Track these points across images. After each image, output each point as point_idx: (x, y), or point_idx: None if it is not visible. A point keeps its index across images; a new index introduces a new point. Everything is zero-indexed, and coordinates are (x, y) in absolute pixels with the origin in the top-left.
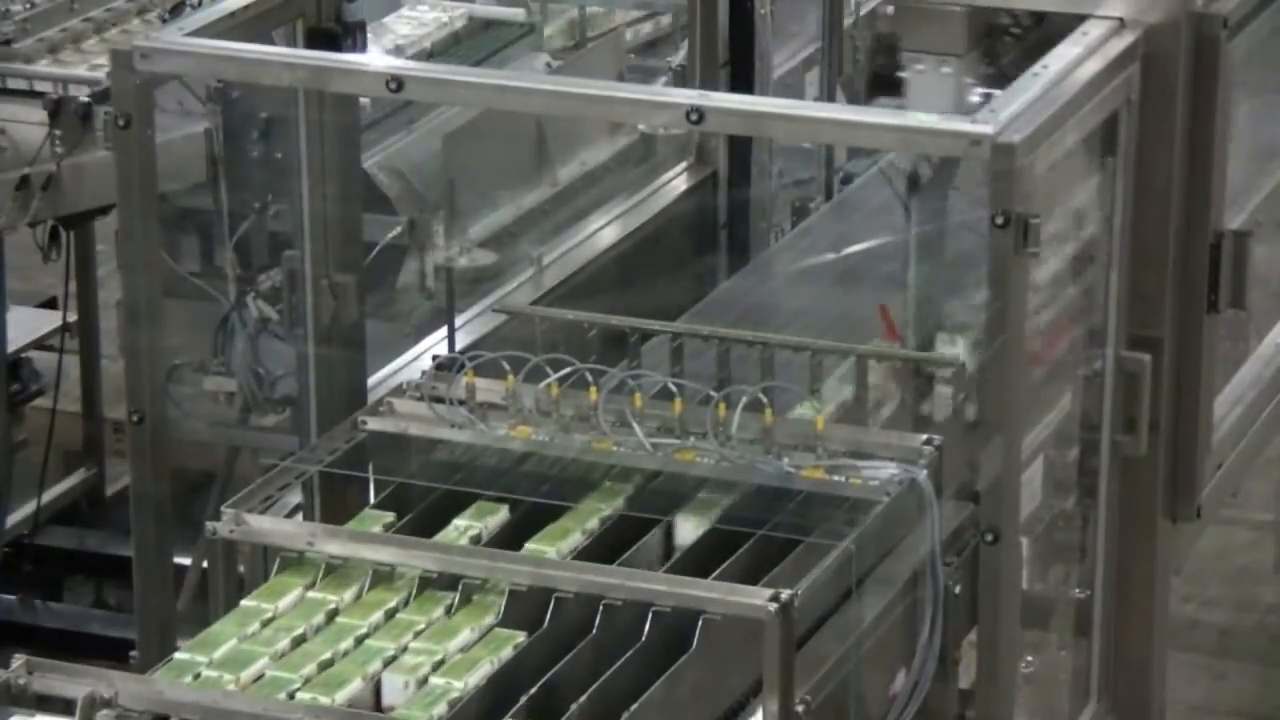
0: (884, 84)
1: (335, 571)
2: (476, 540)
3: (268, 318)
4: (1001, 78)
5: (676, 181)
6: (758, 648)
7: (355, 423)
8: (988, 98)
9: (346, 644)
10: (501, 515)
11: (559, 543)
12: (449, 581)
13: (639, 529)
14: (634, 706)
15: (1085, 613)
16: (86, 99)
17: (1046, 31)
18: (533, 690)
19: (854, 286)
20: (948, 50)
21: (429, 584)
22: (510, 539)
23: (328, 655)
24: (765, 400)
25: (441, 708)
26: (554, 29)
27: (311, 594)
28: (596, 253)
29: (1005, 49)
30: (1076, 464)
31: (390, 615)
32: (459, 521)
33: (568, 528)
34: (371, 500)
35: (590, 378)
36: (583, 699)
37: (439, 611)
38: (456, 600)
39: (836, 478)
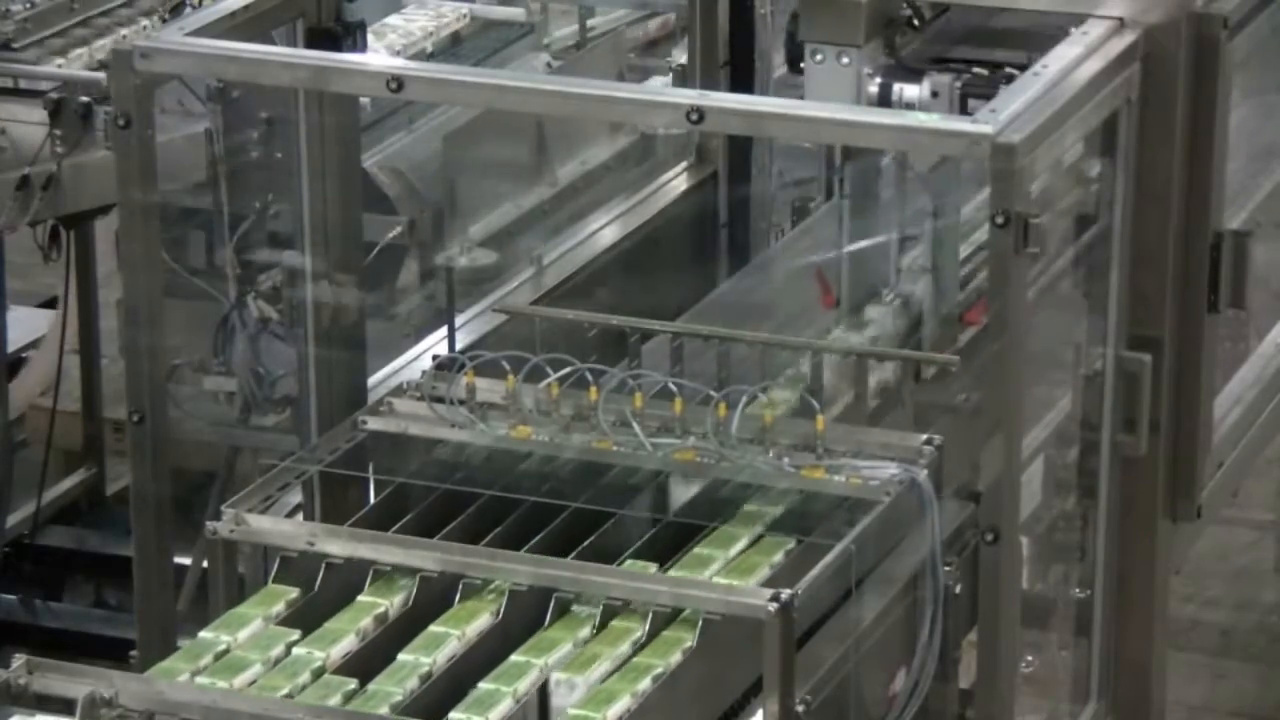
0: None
1: (227, 657)
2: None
3: (268, 318)
4: (901, 69)
5: (676, 181)
6: (757, 648)
7: (355, 423)
8: (886, 89)
9: None
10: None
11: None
12: (353, 668)
13: None
14: (634, 706)
15: (1085, 613)
16: (86, 99)
17: (948, 23)
18: None
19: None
20: (847, 41)
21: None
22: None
23: None
24: (765, 400)
25: None
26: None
27: (200, 680)
28: (596, 253)
29: (905, 40)
30: (1076, 464)
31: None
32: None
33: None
34: (371, 499)
35: (590, 378)
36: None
37: (336, 699)
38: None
39: (836, 478)
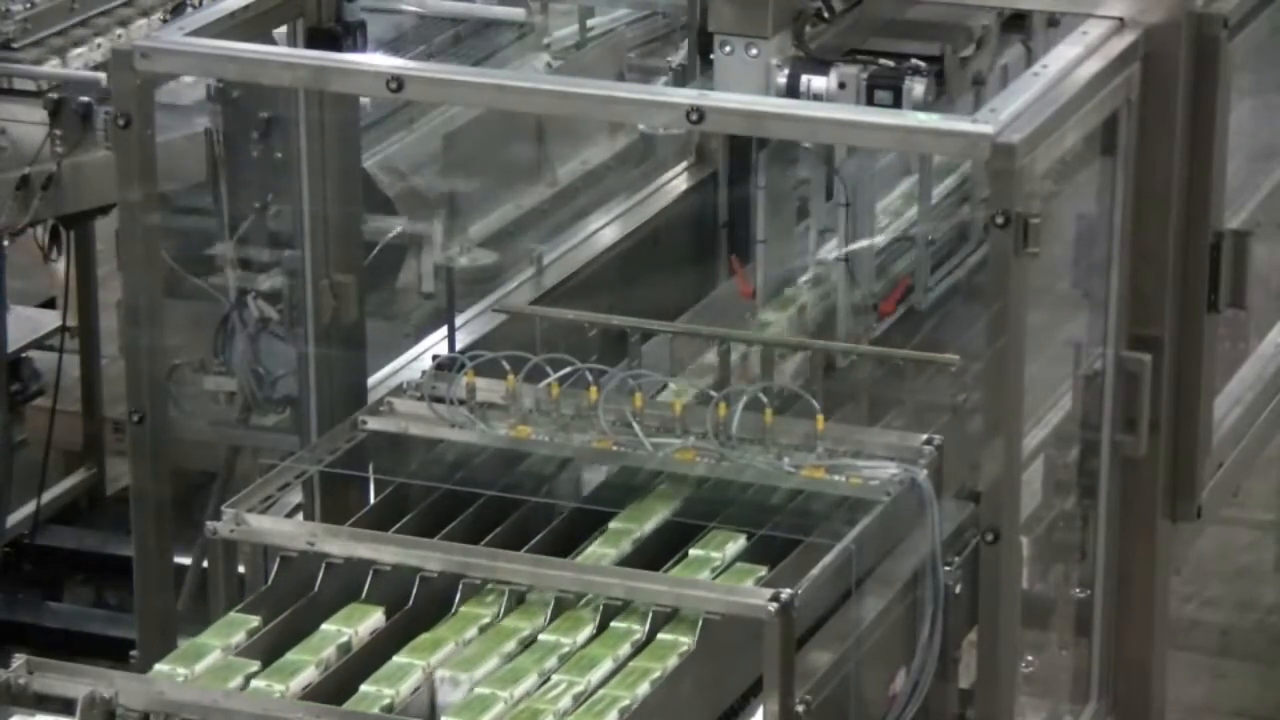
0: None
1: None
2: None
3: (268, 318)
4: (810, 60)
5: (676, 181)
6: (757, 648)
7: (355, 423)
8: (794, 80)
9: None
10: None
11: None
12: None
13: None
14: (634, 707)
15: (1085, 613)
16: (86, 99)
17: (859, 16)
18: None
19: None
20: (755, 32)
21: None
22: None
23: None
24: (765, 400)
25: None
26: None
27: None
28: (596, 252)
29: (815, 32)
30: (1076, 464)
31: None
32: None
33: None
34: (371, 499)
35: (590, 378)
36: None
37: None
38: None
39: (836, 477)
